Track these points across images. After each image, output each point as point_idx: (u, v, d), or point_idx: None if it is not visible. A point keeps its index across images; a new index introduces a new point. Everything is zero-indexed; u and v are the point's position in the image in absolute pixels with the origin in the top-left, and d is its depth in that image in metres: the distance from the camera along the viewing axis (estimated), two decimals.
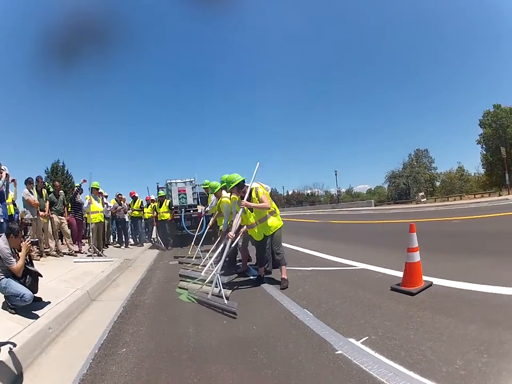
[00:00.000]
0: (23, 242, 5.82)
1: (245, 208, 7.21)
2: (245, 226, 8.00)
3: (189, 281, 8.10)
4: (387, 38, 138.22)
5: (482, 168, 66.59)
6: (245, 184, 7.44)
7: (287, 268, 7.40)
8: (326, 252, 10.86)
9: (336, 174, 77.09)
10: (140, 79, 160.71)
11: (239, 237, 8.24)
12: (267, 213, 7.31)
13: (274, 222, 7.34)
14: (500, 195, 41.91)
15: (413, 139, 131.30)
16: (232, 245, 7.85)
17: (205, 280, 7.56)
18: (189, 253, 12.54)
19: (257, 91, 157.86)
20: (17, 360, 4.01)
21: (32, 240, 6.07)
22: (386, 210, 39.25)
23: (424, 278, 6.08)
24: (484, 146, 63.84)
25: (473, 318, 4.47)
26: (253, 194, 7.27)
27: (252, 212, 7.39)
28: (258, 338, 4.64)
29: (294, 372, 3.62)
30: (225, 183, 8.85)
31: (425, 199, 53.85)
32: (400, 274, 6.46)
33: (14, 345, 4.18)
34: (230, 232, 7.25)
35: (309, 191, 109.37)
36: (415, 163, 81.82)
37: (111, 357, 4.37)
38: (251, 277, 8.49)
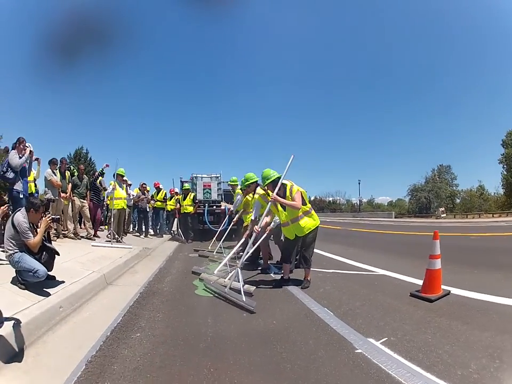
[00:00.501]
0: (44, 218, 5.69)
1: (277, 204, 6.97)
2: (272, 224, 7.85)
3: (209, 270, 8.01)
4: (416, 51, 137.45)
5: (502, 188, 65.96)
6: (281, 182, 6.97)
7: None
8: (347, 257, 10.87)
9: (359, 183, 77.05)
10: (170, 72, 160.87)
11: (265, 234, 8.00)
12: (300, 213, 6.91)
13: (308, 222, 6.93)
14: None
15: (435, 155, 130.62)
16: (258, 241, 7.69)
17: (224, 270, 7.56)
18: (209, 248, 12.38)
19: (288, 96, 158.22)
20: (20, 336, 3.80)
21: (53, 216, 5.92)
22: (407, 222, 39.44)
23: (443, 287, 6.14)
24: (505, 166, 62.95)
25: (487, 326, 4.57)
26: (287, 192, 6.91)
27: (284, 211, 7.00)
28: (278, 333, 4.55)
29: (314, 368, 3.55)
30: (249, 182, 9.14)
31: (445, 215, 53.56)
32: (418, 282, 6.65)
33: (19, 322, 3.96)
34: (256, 226, 7.01)
35: (330, 199, 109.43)
36: (437, 178, 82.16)
37: (124, 340, 4.18)
38: (271, 274, 8.40)
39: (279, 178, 6.92)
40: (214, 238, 12.89)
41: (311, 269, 7.24)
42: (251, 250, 7.22)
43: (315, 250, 7.59)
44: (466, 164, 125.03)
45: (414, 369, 3.45)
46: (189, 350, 3.96)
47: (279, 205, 7.01)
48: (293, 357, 3.79)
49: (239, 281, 6.33)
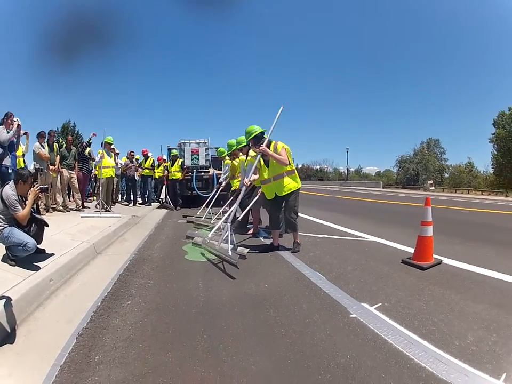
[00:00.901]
0: (32, 188, 5.59)
1: (261, 161, 6.89)
2: (261, 187, 7.75)
3: (202, 234, 7.99)
4: (412, 28, 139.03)
5: (492, 167, 65.46)
6: (264, 137, 6.92)
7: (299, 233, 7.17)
8: (336, 223, 10.95)
9: (347, 152, 76.79)
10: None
11: (256, 196, 8.17)
12: (283, 171, 6.79)
13: (290, 182, 6.81)
14: (507, 196, 41.62)
15: (426, 129, 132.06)
16: (249, 203, 8.08)
17: (213, 227, 7.75)
18: (198, 213, 12.35)
19: (275, 70, 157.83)
20: (11, 315, 3.70)
21: (41, 186, 5.80)
22: (395, 193, 39.31)
23: (434, 256, 6.19)
24: (495, 146, 62.24)
25: (481, 298, 4.57)
26: (271, 148, 6.77)
27: (268, 167, 6.90)
28: (271, 297, 4.56)
29: (309, 332, 3.55)
30: (241, 145, 8.95)
31: (433, 188, 53.43)
32: (409, 249, 6.79)
33: (10, 300, 3.86)
34: (245, 179, 6.99)
35: (318, 167, 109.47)
36: (426, 151, 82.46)
37: (115, 309, 4.13)
38: (261, 239, 8.51)
39: (262, 133, 6.93)
40: (204, 205, 12.79)
41: (299, 233, 7.25)
42: (236, 204, 7.21)
43: (304, 215, 7.64)
44: (456, 141, 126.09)
45: (410, 337, 3.46)
46: (180, 316, 3.94)
47: (262, 161, 6.94)
48: (287, 322, 3.79)
49: (228, 239, 6.42)
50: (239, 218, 8.52)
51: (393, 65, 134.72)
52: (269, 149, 6.71)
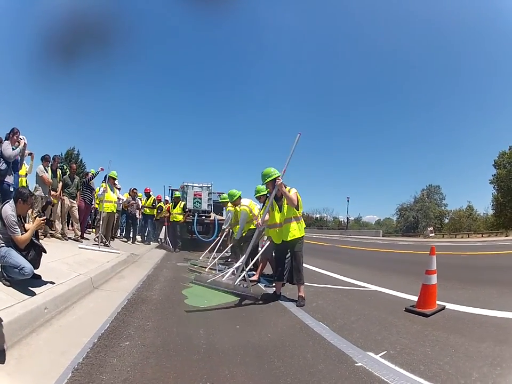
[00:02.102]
0: (37, 218, 5.50)
1: (274, 205, 6.92)
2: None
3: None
4: (407, 72, 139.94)
5: (492, 209, 66.48)
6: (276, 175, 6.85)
7: None
8: (337, 272, 10.84)
9: (348, 201, 77.45)
10: (166, 80, 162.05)
11: (267, 245, 8.23)
12: (292, 216, 6.78)
13: (296, 229, 6.75)
14: (507, 235, 41.80)
15: (425, 177, 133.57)
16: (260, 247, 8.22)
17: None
18: (200, 259, 12.29)
19: (279, 113, 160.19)
20: (2, 335, 3.53)
21: (47, 218, 5.78)
22: (395, 241, 40.48)
23: (437, 302, 6.17)
24: (495, 187, 63.41)
25: (485, 338, 4.65)
26: (286, 188, 6.76)
27: (280, 211, 6.88)
28: (274, 346, 4.42)
29: (315, 382, 3.44)
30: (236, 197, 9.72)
31: (433, 234, 54.04)
32: (412, 298, 6.81)
33: (1, 320, 3.68)
34: (259, 221, 7.10)
35: (317, 215, 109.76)
36: (426, 198, 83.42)
37: (112, 348, 3.93)
38: (262, 287, 8.36)
39: (278, 177, 6.81)
40: (207, 251, 12.78)
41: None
42: (249, 249, 7.34)
43: (305, 265, 7.48)
44: (456, 185, 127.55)
45: (417, 381, 3.44)
46: (182, 361, 3.74)
47: (276, 205, 6.94)
48: (292, 371, 3.65)
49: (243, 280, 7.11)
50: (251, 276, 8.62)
51: (391, 109, 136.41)
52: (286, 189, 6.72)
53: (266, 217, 7.13)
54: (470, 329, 5.08)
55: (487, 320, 5.44)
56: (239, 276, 7.03)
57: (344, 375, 3.57)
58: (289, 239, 6.74)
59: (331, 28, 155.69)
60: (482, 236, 47.96)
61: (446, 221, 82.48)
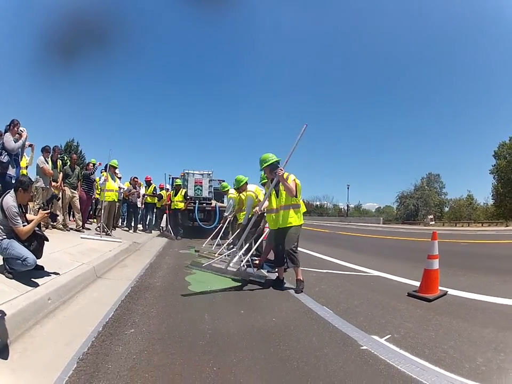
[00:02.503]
0: (41, 210, 5.47)
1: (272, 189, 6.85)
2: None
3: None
4: (408, 62, 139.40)
5: (492, 199, 66.70)
6: (279, 166, 6.77)
7: (301, 268, 6.89)
8: (339, 258, 10.92)
9: (348, 188, 77.53)
10: (166, 72, 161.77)
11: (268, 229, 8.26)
12: (291, 203, 6.73)
13: (293, 217, 6.71)
14: (507, 225, 41.87)
15: (425, 164, 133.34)
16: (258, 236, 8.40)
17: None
18: (204, 245, 12.49)
19: (281, 100, 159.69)
20: (5, 330, 3.50)
21: (52, 212, 5.76)
22: (395, 228, 40.61)
23: (439, 288, 6.27)
24: (496, 177, 63.67)
25: (487, 323, 4.71)
26: (284, 176, 6.63)
27: (277, 197, 6.87)
28: (279, 330, 4.43)
29: (321, 365, 3.46)
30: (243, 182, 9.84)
31: (433, 222, 53.94)
32: (413, 283, 6.95)
33: (3, 314, 3.65)
34: (256, 208, 7.17)
35: (318, 203, 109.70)
36: (426, 186, 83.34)
37: (117, 336, 3.91)
38: (265, 272, 8.31)
39: (277, 162, 6.87)
40: (210, 237, 13.04)
41: (302, 268, 6.97)
42: (245, 233, 7.49)
43: (306, 251, 7.55)
44: (456, 175, 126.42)
45: (422, 364, 3.48)
46: (187, 347, 3.74)
47: (274, 190, 6.91)
48: (298, 355, 3.67)
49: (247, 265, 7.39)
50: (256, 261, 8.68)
51: (392, 99, 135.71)
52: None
53: (266, 204, 7.20)
54: (473, 314, 5.13)
55: (489, 307, 5.49)
56: (241, 260, 7.23)
57: (350, 358, 3.60)
58: (286, 225, 6.73)
59: (331, 18, 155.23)
60: (482, 225, 47.92)
61: (446, 209, 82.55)
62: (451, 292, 6.31)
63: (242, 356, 3.58)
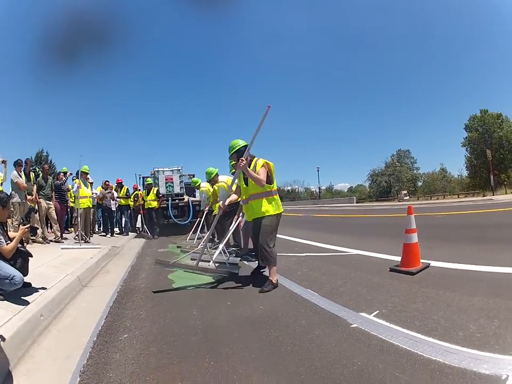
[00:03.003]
0: (21, 226, 5.47)
1: (241, 179, 6.52)
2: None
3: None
4: (376, 39, 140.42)
5: (466, 170, 68.22)
6: (249, 153, 6.31)
7: (280, 254, 6.81)
8: (316, 241, 11.08)
9: (318, 171, 77.53)
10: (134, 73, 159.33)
11: (242, 219, 8.53)
12: (262, 191, 6.16)
13: (267, 205, 6.14)
14: (484, 195, 42.73)
15: (395, 141, 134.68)
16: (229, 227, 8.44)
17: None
18: (187, 240, 12.73)
19: (246, 84, 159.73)
20: (5, 354, 3.47)
21: (31, 226, 5.75)
22: (369, 206, 41.26)
23: (421, 260, 6.36)
24: (468, 149, 65.35)
25: (475, 291, 4.79)
26: (251, 165, 6.23)
27: (247, 185, 6.37)
28: (268, 317, 4.54)
29: (315, 347, 3.55)
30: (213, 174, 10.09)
31: (408, 197, 54.71)
32: (394, 258, 7.07)
33: (3, 339, 3.64)
34: (220, 203, 6.99)
35: (289, 188, 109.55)
36: (397, 163, 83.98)
37: (113, 343, 3.97)
38: (245, 262, 8.42)
39: (245, 147, 6.36)
40: (191, 232, 13.33)
41: (281, 254, 7.07)
42: (212, 226, 7.39)
43: (282, 236, 7.56)
44: (427, 150, 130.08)
45: (415, 336, 3.56)
46: (182, 345, 3.81)
47: (242, 179, 6.53)
48: (291, 339, 3.77)
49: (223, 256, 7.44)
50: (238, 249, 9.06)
51: (357, 76, 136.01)
52: (250, 165, 6.26)
53: (233, 197, 7.18)
54: (459, 284, 5.22)
55: (475, 275, 5.60)
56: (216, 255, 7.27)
57: (342, 337, 3.72)
58: (259, 216, 6.23)
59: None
60: (458, 197, 49.13)
61: (420, 184, 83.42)
62: (434, 263, 6.43)
63: (237, 347, 3.66)
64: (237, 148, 6.51)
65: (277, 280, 6.00)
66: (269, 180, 6.24)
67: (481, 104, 66.19)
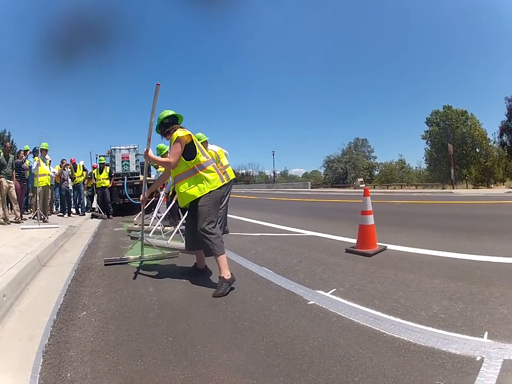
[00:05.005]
0: None
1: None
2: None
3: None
4: (340, 23, 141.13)
5: (426, 163, 70.22)
6: (178, 125, 5.36)
7: (233, 233, 6.85)
8: (270, 222, 11.49)
9: (273, 155, 78.39)
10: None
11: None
12: (183, 171, 5.14)
13: (188, 187, 5.08)
14: (444, 188, 43.50)
15: (353, 130, 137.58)
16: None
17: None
18: (135, 220, 12.78)
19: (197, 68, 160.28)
20: None
21: None
22: (324, 192, 41.03)
23: (378, 243, 6.52)
24: (428, 142, 67.26)
25: (436, 274, 4.85)
26: (171, 142, 5.17)
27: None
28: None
29: (272, 322, 3.61)
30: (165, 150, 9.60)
31: (364, 185, 54.82)
32: (349, 240, 7.29)
33: None
34: (141, 196, 6.73)
35: (243, 171, 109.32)
36: (354, 151, 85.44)
37: (72, 321, 4.02)
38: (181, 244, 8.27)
39: (172, 117, 5.44)
40: (139, 213, 12.89)
41: (234, 233, 7.20)
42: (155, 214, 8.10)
43: (235, 216, 7.50)
44: (386, 141, 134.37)
45: (375, 314, 3.63)
46: (139, 322, 3.88)
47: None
48: (247, 315, 3.85)
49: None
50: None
51: (318, 64, 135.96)
52: (170, 143, 5.22)
53: (153, 187, 7.14)
54: (418, 267, 5.30)
55: (434, 259, 5.69)
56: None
57: (299, 314, 3.79)
58: (186, 202, 5.24)
59: None
60: (416, 188, 49.93)
61: (376, 173, 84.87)
62: (391, 247, 6.59)
63: (194, 323, 3.73)
64: (159, 121, 5.45)
65: (231, 274, 4.78)
66: (190, 156, 5.12)
67: (446, 101, 68.04)
